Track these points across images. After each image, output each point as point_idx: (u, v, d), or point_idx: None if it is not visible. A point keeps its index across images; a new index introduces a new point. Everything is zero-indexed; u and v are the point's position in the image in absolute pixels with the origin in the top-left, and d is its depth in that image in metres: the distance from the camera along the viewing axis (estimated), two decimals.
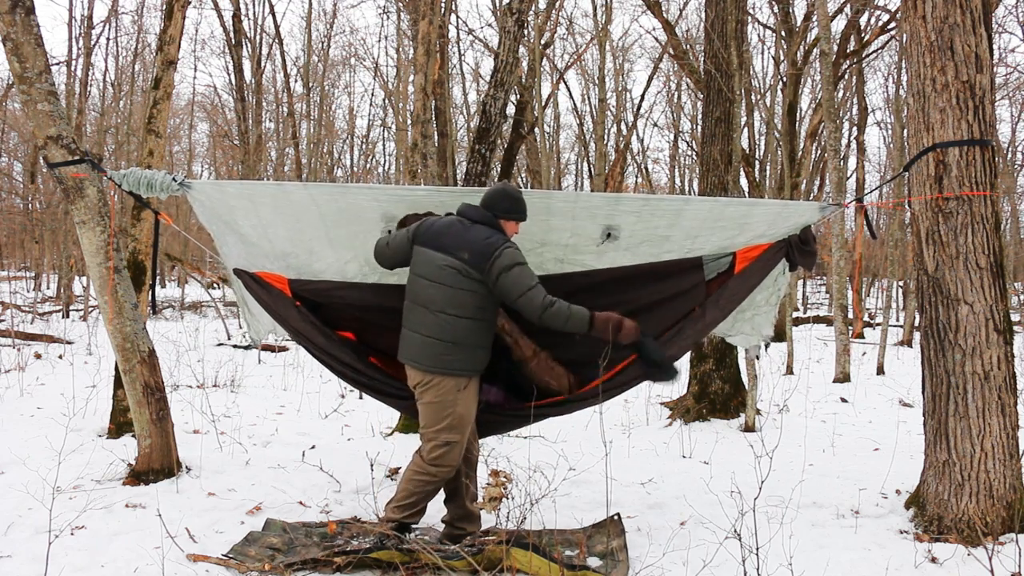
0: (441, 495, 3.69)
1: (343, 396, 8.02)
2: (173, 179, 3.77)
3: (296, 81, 22.18)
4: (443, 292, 3.36)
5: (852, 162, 21.79)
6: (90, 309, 16.07)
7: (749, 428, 6.56)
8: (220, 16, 19.17)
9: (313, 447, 5.55)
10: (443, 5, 11.06)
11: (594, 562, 3.47)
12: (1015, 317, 17.77)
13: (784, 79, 14.87)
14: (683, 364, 4.68)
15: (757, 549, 3.06)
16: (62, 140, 4.22)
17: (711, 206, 3.68)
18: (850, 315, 10.78)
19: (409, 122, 11.87)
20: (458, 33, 17.96)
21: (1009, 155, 21.44)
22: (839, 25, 14.73)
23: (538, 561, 3.23)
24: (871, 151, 33.09)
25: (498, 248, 3.30)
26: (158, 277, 29.07)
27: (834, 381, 9.88)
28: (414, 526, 3.63)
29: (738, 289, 3.88)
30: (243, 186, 3.80)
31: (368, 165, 27.14)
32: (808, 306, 27.61)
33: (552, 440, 5.99)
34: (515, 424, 3.97)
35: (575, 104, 23.89)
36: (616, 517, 3.95)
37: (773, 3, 15.06)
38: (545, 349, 3.77)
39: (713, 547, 3.47)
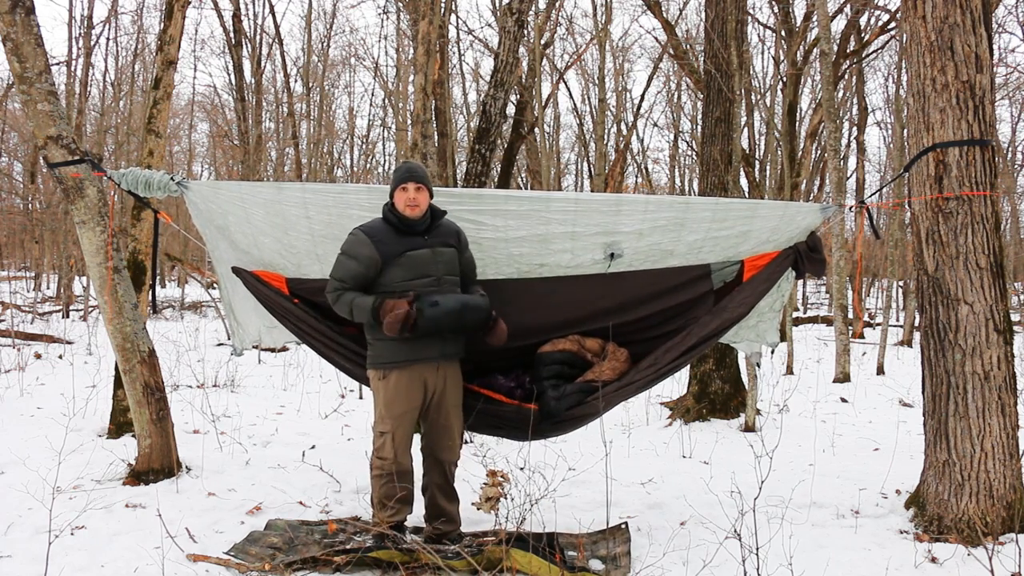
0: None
1: (343, 396, 8.02)
2: (171, 179, 3.77)
3: (296, 81, 22.20)
4: None
5: (852, 162, 21.82)
6: (90, 309, 16.06)
7: (749, 428, 6.56)
8: (220, 16, 19.19)
9: (313, 447, 5.55)
10: (443, 5, 11.05)
11: (595, 564, 3.46)
12: (1015, 317, 17.77)
13: (784, 79, 14.86)
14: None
15: (757, 549, 3.06)
16: (62, 140, 4.22)
17: (712, 215, 3.67)
18: (850, 315, 10.78)
19: (409, 122, 11.87)
20: (458, 33, 17.97)
21: (1009, 155, 21.44)
22: (839, 25, 14.74)
23: (538, 562, 3.23)
24: (871, 151, 33.05)
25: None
26: (158, 277, 29.05)
27: (834, 381, 9.88)
28: (407, 524, 3.64)
29: (747, 297, 3.85)
30: (240, 187, 3.77)
31: (368, 165, 27.13)
32: (808, 306, 27.59)
33: (551, 440, 5.97)
34: (512, 428, 3.83)
35: (575, 104, 23.93)
36: (624, 526, 3.89)
37: (773, 3, 15.06)
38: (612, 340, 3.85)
39: (713, 547, 3.47)
